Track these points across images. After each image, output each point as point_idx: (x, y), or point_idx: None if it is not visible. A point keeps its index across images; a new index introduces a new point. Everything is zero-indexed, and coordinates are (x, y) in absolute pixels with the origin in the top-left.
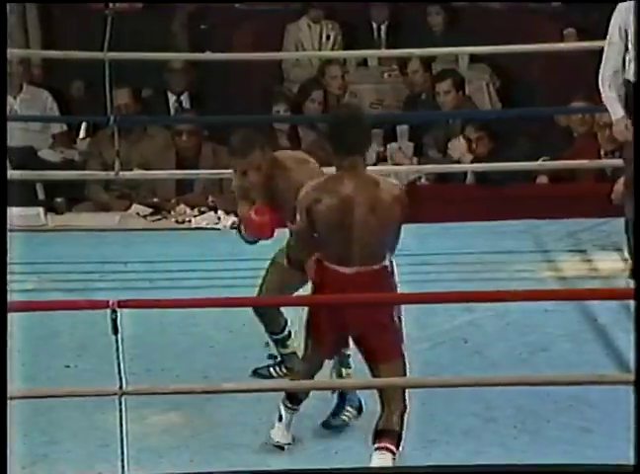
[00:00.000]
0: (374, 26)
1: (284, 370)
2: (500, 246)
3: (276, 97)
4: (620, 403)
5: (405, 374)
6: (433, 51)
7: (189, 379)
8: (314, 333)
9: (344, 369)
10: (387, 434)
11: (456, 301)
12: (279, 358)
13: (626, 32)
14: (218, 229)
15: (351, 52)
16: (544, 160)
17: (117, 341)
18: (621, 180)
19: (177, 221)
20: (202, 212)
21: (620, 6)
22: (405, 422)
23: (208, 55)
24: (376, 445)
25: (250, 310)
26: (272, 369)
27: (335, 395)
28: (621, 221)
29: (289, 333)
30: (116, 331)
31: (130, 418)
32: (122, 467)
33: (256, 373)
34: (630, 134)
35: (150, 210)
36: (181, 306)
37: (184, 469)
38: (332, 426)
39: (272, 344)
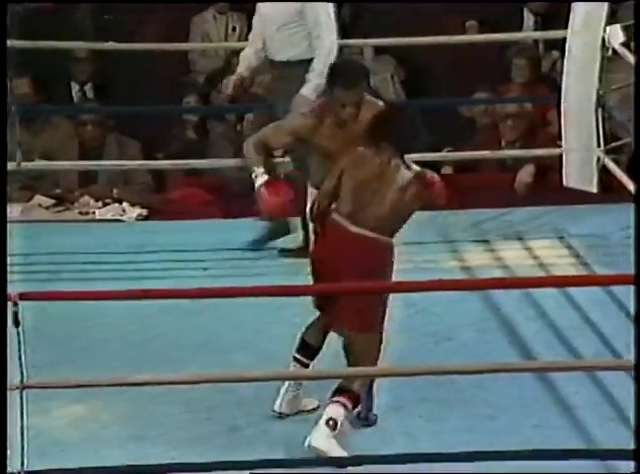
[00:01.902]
0: None
1: None
2: (404, 237)
3: (186, 87)
4: (523, 390)
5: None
6: (338, 43)
7: (96, 372)
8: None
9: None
10: (345, 390)
11: (366, 292)
12: None
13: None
14: (123, 221)
15: None
16: (448, 151)
17: (18, 334)
18: (524, 169)
19: (80, 213)
20: (107, 204)
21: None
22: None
23: (113, 45)
24: (332, 399)
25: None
26: None
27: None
28: (525, 211)
29: None
30: (17, 324)
31: (34, 411)
32: (22, 463)
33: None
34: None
35: (53, 202)
36: (83, 298)
37: (89, 463)
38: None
39: None
